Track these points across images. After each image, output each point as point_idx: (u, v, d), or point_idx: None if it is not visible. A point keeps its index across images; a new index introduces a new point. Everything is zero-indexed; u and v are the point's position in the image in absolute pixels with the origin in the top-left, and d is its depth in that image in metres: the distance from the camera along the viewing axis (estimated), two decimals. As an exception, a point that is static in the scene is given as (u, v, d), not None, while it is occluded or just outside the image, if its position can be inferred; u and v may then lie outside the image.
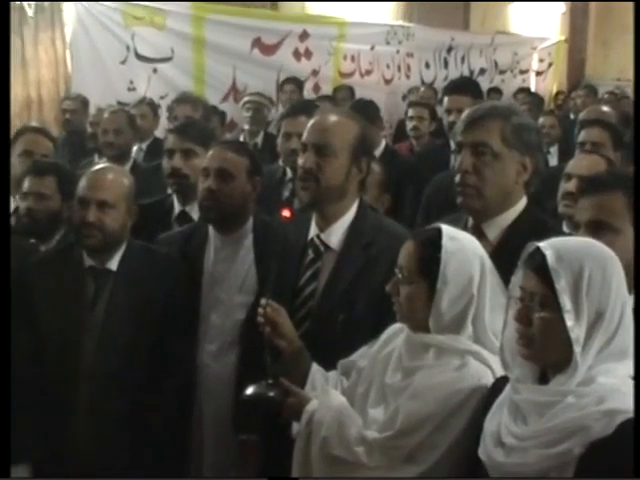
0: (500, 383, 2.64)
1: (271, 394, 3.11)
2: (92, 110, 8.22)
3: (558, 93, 15.29)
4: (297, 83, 9.75)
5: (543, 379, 2.48)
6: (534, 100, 10.65)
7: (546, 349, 2.42)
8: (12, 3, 8.21)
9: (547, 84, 15.96)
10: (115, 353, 3.65)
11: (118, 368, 3.63)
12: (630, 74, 16.05)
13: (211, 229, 4.00)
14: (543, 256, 2.41)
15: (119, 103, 8.22)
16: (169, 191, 4.68)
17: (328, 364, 3.22)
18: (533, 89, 14.34)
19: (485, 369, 2.80)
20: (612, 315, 2.40)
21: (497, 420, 2.51)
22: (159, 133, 7.75)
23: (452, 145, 5.55)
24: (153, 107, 8.14)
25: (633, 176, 3.05)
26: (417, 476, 2.77)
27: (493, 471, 2.48)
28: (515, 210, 3.26)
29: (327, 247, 3.47)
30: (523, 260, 2.50)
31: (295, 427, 3.07)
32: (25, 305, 3.71)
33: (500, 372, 2.71)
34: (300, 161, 3.49)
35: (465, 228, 3.13)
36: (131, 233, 3.85)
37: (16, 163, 5.10)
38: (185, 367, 3.80)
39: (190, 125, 5.06)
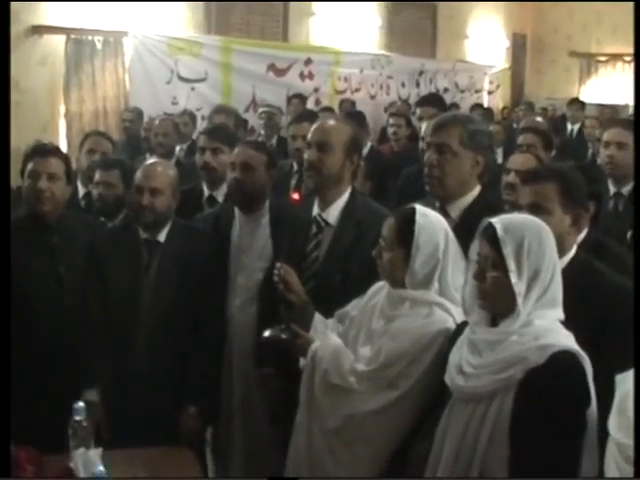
0: (461, 327, 2.66)
1: (283, 336, 3.14)
2: (145, 119, 8.20)
3: (504, 108, 15.21)
4: (301, 98, 9.71)
5: (494, 323, 2.50)
6: (486, 113, 10.61)
7: (496, 300, 2.45)
8: (86, 39, 8.22)
9: (496, 101, 15.86)
10: (164, 305, 3.63)
11: (167, 317, 3.62)
12: (557, 95, 16.08)
13: (237, 210, 3.98)
14: (494, 229, 2.43)
15: (165, 114, 8.17)
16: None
17: (328, 313, 3.22)
18: (486, 105, 14.30)
19: (448, 316, 2.82)
20: (546, 274, 2.42)
21: (459, 354, 2.53)
22: (195, 137, 7.73)
23: (421, 145, 5.55)
24: (192, 117, 8.11)
25: (564, 170, 3.02)
26: (395, 399, 2.78)
27: (455, 392, 2.51)
28: (471, 195, 3.25)
29: (327, 223, 3.46)
30: (479, 232, 2.52)
31: (302, 362, 3.08)
32: (96, 267, 3.71)
33: (459, 318, 2.74)
34: (306, 156, 3.49)
35: (434, 208, 3.12)
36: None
37: (83, 158, 5.10)
38: (218, 317, 3.78)
39: (218, 129, 5.02)
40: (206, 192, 4.57)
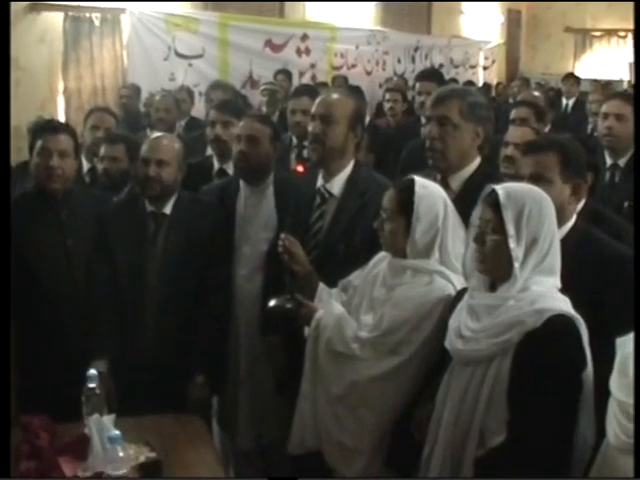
0: (461, 293, 2.72)
1: (288, 306, 3.17)
2: (144, 95, 8.21)
3: (498, 83, 15.23)
4: (287, 74, 9.68)
5: (492, 288, 2.55)
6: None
7: (494, 264, 2.50)
8: (84, 16, 8.23)
9: (491, 76, 15.90)
10: (172, 276, 3.67)
11: (174, 288, 3.66)
12: (552, 70, 16.09)
13: (242, 182, 3.98)
14: (497, 194, 2.48)
15: (163, 90, 8.17)
16: (209, 153, 4.65)
17: (331, 283, 3.26)
18: (481, 80, 14.36)
19: (448, 284, 2.87)
20: (544, 241, 2.47)
21: (458, 319, 2.59)
22: (193, 113, 7.76)
23: (422, 120, 5.58)
24: (190, 93, 8.12)
25: (564, 141, 3.05)
26: (397, 365, 2.85)
27: (455, 356, 2.57)
28: (471, 167, 3.29)
29: (330, 194, 3.50)
30: (482, 197, 2.57)
31: (306, 330, 3.13)
32: (103, 240, 3.75)
33: (460, 286, 2.79)
34: (310, 128, 3.51)
35: (434, 180, 3.16)
36: (181, 185, 3.85)
37: (87, 134, 5.09)
38: (224, 287, 3.81)
39: (227, 102, 5.05)
40: (216, 165, 4.59)
